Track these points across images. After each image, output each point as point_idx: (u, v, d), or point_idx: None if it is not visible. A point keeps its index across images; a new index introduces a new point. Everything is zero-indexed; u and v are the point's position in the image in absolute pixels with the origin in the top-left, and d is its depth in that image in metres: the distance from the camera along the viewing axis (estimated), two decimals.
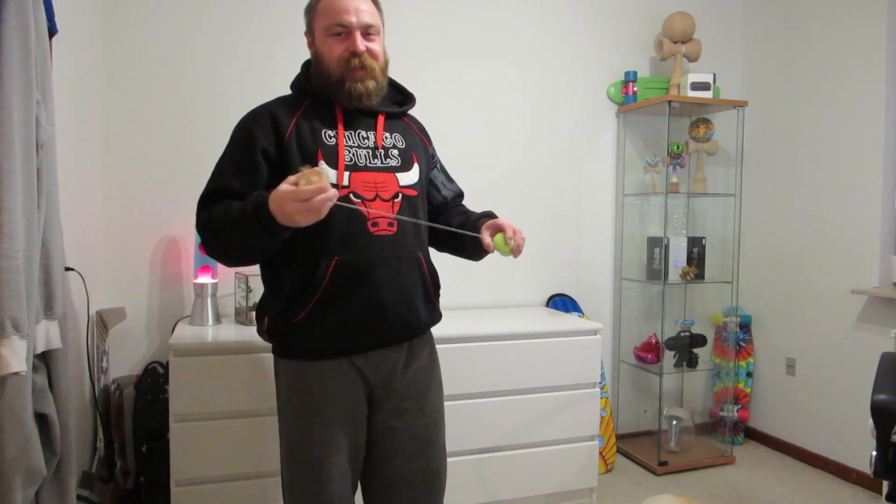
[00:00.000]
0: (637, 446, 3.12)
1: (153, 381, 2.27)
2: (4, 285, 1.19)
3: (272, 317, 1.45)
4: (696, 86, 2.92)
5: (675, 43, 3.03)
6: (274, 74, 2.60)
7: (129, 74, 2.43)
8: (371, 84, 1.45)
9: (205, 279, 2.32)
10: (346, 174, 1.42)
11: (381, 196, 1.44)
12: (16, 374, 1.21)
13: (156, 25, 2.45)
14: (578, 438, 2.47)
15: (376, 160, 1.47)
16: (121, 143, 2.43)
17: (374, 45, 1.46)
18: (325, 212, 1.22)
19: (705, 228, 3.34)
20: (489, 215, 1.57)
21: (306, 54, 2.68)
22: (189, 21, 2.49)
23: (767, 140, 3.26)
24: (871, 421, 1.62)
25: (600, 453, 2.82)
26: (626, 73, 3.07)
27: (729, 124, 3.26)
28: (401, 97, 1.63)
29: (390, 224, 1.42)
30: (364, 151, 1.46)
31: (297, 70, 2.63)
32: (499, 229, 1.47)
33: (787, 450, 3.14)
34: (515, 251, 1.45)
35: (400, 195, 1.47)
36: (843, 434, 2.86)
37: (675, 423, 3.10)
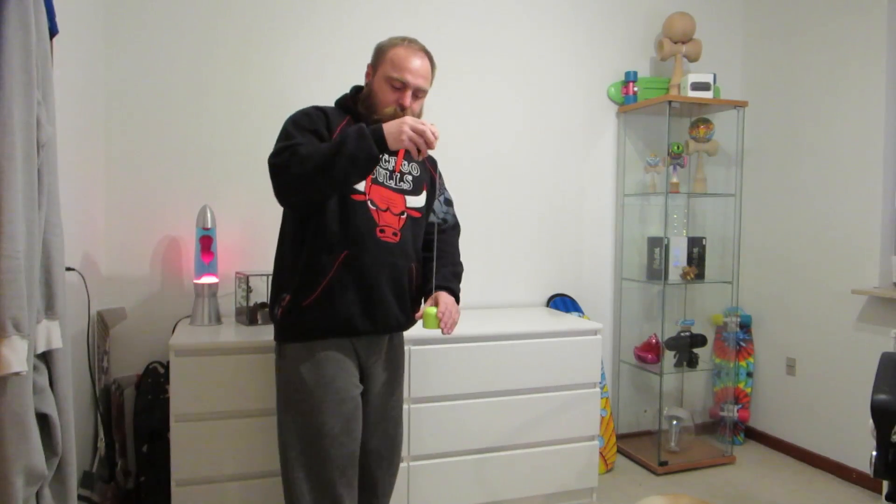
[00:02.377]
0: (637, 446, 3.12)
1: (154, 381, 2.27)
2: (5, 285, 1.19)
3: (290, 296, 1.63)
4: (697, 86, 2.92)
5: (676, 43, 3.03)
6: (275, 74, 2.60)
7: (129, 75, 2.43)
8: None
9: (205, 279, 2.32)
10: (368, 185, 1.65)
11: (391, 210, 1.69)
12: (17, 374, 1.21)
13: (156, 25, 2.45)
14: (578, 438, 2.47)
15: (391, 181, 1.71)
16: (121, 144, 2.43)
17: (417, 104, 1.71)
18: (418, 143, 1.48)
19: (705, 228, 3.34)
20: (448, 288, 1.76)
21: (304, 54, 2.70)
22: (189, 21, 2.49)
23: (767, 140, 3.26)
24: (871, 421, 1.62)
25: (600, 453, 2.82)
26: (627, 74, 3.08)
27: (729, 124, 3.26)
28: None
29: (394, 234, 1.68)
30: (384, 171, 1.70)
31: (296, 69, 2.66)
32: (439, 304, 1.68)
33: (787, 450, 3.14)
34: (445, 327, 1.65)
35: (405, 213, 1.72)
36: (843, 434, 2.86)
37: (675, 423, 3.10)
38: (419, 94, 1.70)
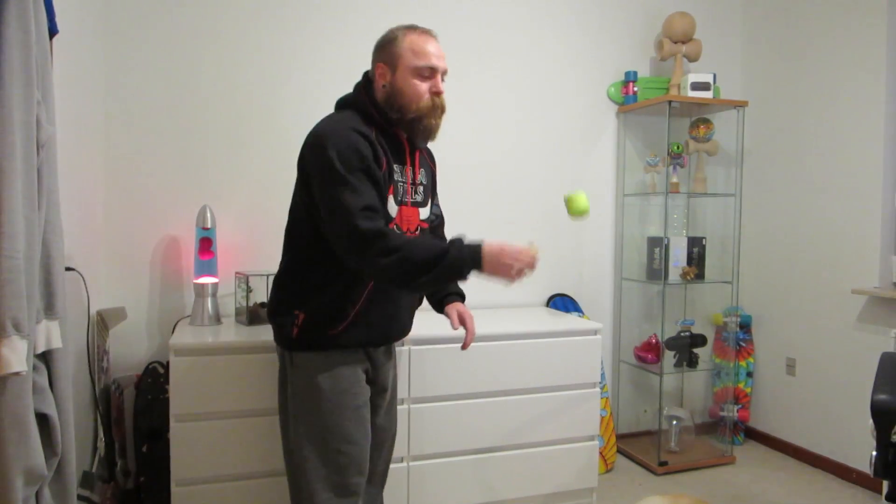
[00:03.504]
0: (637, 446, 3.12)
1: (153, 380, 2.27)
2: (5, 285, 1.19)
3: (307, 316, 1.58)
4: (697, 86, 2.92)
5: (676, 43, 3.03)
6: (276, 73, 2.60)
7: (129, 74, 2.43)
8: (441, 121, 1.62)
9: (205, 279, 2.32)
10: (397, 209, 1.59)
11: (410, 229, 1.63)
12: (16, 373, 1.21)
13: (156, 25, 2.45)
14: (578, 438, 2.47)
15: (408, 195, 1.64)
16: (121, 143, 2.43)
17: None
18: (518, 278, 1.46)
19: (705, 228, 3.34)
20: (459, 294, 1.87)
21: (304, 53, 2.69)
22: (189, 21, 2.49)
23: (767, 140, 3.26)
24: (871, 421, 1.62)
25: (600, 453, 2.82)
26: (627, 73, 3.08)
27: (729, 124, 3.26)
28: None
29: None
30: (407, 186, 1.63)
31: (295, 68, 2.64)
32: (460, 318, 1.79)
33: (787, 450, 3.14)
34: (466, 342, 1.77)
35: (419, 228, 1.66)
36: (843, 434, 2.86)
37: (675, 423, 3.10)
38: (444, 76, 1.62)
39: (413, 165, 1.66)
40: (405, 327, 1.75)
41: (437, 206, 1.84)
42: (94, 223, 2.32)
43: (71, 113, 1.99)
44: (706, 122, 3.08)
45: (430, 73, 1.57)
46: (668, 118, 2.95)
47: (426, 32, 1.61)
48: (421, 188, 1.68)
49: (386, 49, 1.60)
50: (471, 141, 2.90)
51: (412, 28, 1.61)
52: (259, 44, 2.58)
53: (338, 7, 2.67)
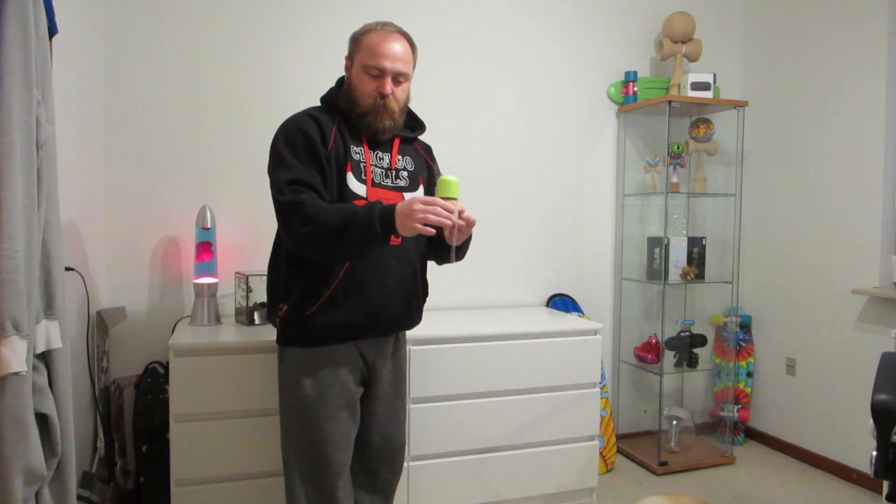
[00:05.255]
0: (637, 446, 3.12)
1: (153, 381, 2.27)
2: (5, 285, 1.19)
3: (289, 306, 1.61)
4: (697, 86, 2.92)
5: (676, 43, 3.03)
6: (275, 73, 2.60)
7: (129, 74, 2.43)
8: (388, 123, 1.63)
9: (205, 279, 2.32)
10: (368, 188, 1.60)
11: None
12: (16, 374, 1.21)
13: (156, 25, 2.45)
14: (578, 438, 2.47)
15: (388, 180, 1.66)
16: (121, 143, 2.43)
17: (400, 90, 1.64)
18: (432, 222, 1.38)
19: (705, 228, 3.34)
20: None
21: (304, 53, 2.70)
22: (189, 20, 2.49)
23: (767, 140, 3.26)
24: (871, 421, 1.62)
25: (600, 453, 2.82)
26: (627, 73, 3.08)
27: (729, 124, 3.26)
28: (413, 123, 1.79)
29: (396, 235, 1.47)
30: (380, 170, 1.65)
31: (296, 68, 2.65)
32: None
33: (787, 450, 3.14)
34: (456, 230, 1.45)
35: None
36: (843, 434, 2.86)
37: (675, 423, 3.10)
38: (400, 79, 1.62)
39: (390, 152, 1.68)
40: (399, 316, 1.68)
41: None
42: (94, 223, 2.32)
43: (71, 113, 1.99)
44: (706, 121, 3.08)
45: (380, 73, 1.59)
46: (668, 118, 2.95)
47: (390, 32, 1.62)
48: (406, 174, 1.69)
49: (351, 42, 1.68)
50: (471, 141, 2.90)
51: (378, 26, 1.64)
52: (260, 43, 2.58)
53: (336, 7, 2.67)
